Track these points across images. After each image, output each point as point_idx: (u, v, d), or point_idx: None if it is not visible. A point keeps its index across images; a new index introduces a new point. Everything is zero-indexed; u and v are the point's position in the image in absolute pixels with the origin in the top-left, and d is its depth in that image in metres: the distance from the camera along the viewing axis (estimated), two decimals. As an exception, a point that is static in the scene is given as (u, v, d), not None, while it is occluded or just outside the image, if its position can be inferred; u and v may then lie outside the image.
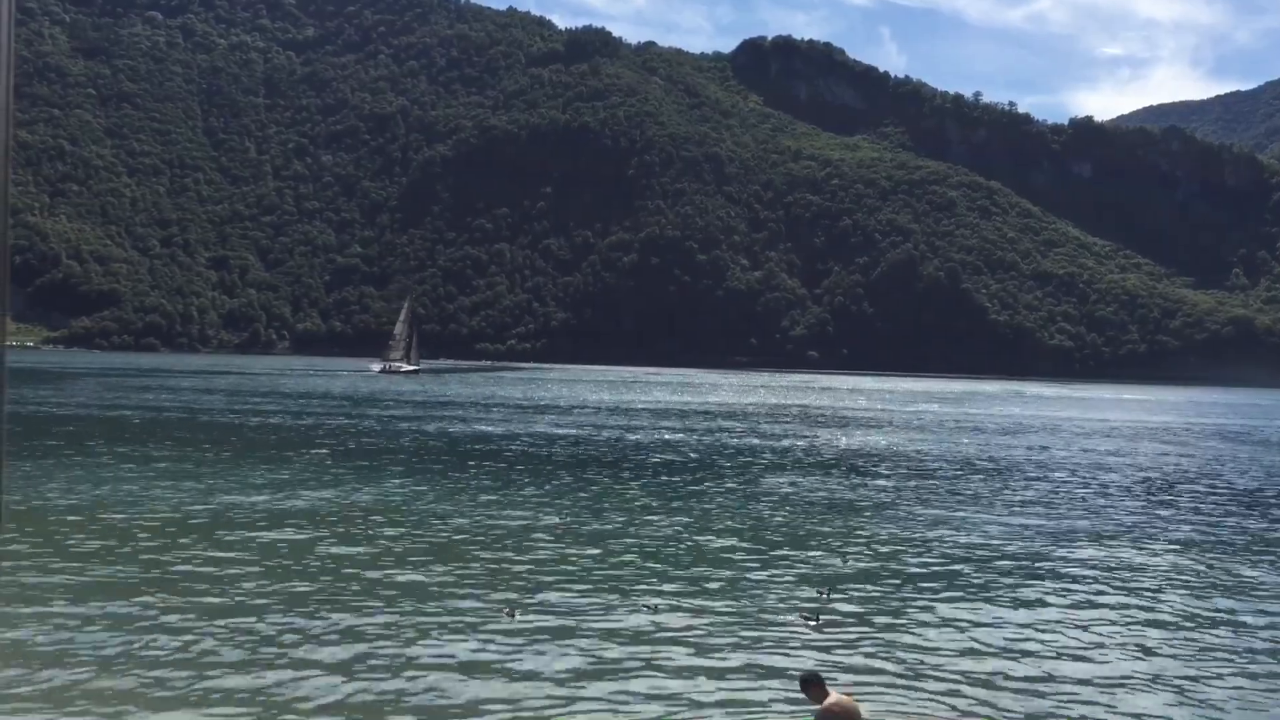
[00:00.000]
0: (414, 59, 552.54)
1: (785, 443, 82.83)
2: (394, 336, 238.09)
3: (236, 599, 26.41)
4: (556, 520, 40.22)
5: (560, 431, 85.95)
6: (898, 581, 31.32)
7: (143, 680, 20.32)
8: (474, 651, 22.81)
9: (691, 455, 69.64)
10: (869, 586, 30.28)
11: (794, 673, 19.39)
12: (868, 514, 45.14)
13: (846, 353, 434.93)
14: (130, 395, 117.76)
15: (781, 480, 56.52)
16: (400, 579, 29.27)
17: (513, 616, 25.03)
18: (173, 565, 29.94)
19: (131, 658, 21.56)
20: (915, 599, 29.09)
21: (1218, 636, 26.33)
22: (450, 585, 28.78)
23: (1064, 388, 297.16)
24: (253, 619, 24.65)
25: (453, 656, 22.43)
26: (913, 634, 25.23)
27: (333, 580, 28.94)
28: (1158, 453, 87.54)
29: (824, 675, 16.35)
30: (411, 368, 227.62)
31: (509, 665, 21.94)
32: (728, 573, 31.41)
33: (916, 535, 39.74)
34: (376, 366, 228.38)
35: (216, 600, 26.21)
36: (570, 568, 31.63)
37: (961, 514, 46.10)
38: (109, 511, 38.43)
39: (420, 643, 23.31)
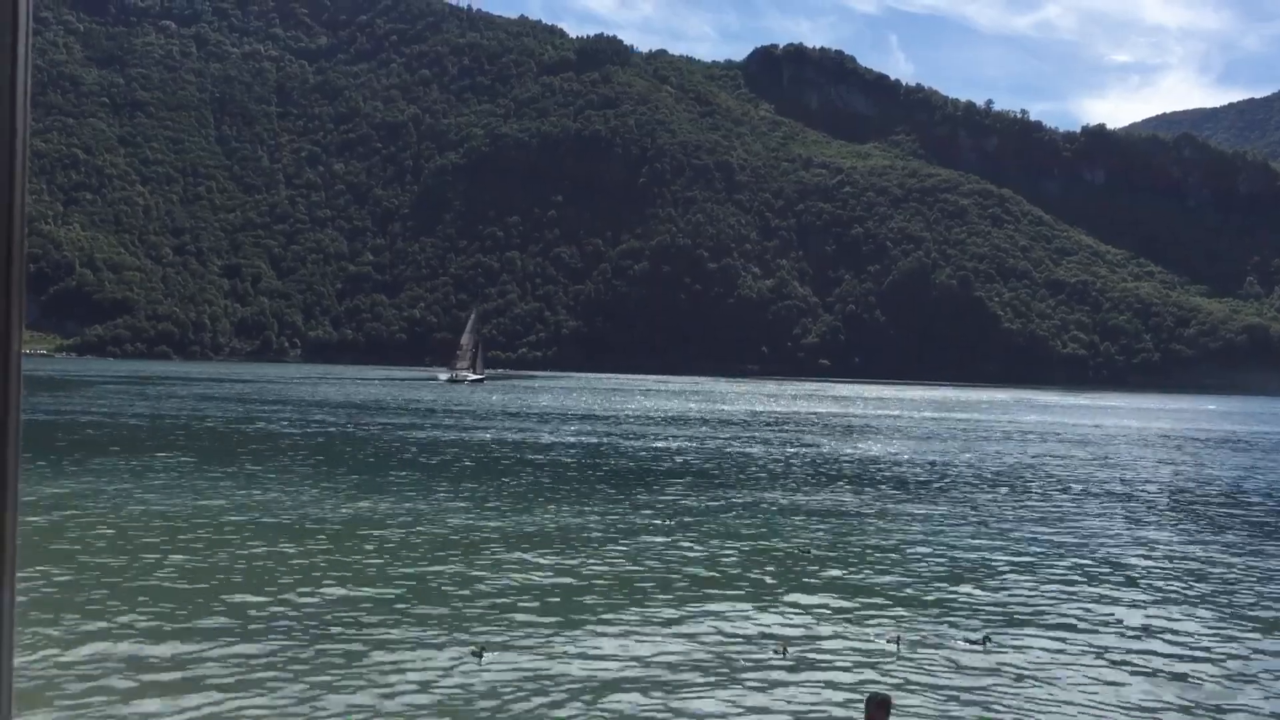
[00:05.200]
0: (426, 67, 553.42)
1: (819, 452, 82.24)
2: (460, 347, 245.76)
3: (269, 605, 26.05)
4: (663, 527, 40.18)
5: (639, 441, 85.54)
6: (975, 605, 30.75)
7: (151, 681, 20.02)
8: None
9: (743, 465, 69.09)
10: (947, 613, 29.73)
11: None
12: (914, 528, 44.55)
13: (859, 361, 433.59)
14: (201, 405, 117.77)
15: (831, 494, 55.94)
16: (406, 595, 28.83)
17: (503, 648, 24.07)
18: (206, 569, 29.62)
19: (136, 660, 21.23)
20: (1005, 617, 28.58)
21: None
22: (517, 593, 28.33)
23: (1080, 396, 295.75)
24: (284, 624, 24.28)
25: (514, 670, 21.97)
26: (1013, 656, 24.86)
27: (350, 591, 28.55)
28: (1204, 461, 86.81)
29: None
30: (477, 377, 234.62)
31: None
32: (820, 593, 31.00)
33: (983, 550, 39.15)
34: (444, 376, 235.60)
35: (226, 608, 25.86)
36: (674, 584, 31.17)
37: (1025, 527, 45.48)
38: (127, 515, 38.14)
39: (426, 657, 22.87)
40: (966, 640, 25.78)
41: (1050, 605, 30.40)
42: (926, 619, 27.97)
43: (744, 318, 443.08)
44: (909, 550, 38.16)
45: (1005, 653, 24.91)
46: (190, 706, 19.34)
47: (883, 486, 59.06)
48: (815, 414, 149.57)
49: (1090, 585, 33.24)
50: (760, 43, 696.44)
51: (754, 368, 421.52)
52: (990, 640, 25.62)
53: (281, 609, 26.44)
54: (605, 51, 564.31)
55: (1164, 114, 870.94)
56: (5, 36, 2.51)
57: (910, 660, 24.03)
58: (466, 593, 29.08)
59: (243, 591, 28.24)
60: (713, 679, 22.08)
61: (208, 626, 24.42)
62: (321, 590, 28.60)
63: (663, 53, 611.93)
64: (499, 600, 28.43)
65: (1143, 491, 62.24)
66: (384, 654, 23.02)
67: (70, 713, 18.73)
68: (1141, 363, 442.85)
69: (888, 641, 25.42)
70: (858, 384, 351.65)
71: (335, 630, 24.73)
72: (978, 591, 31.71)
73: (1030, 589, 32.52)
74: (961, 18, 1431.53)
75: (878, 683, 21.92)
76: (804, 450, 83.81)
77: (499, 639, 24.50)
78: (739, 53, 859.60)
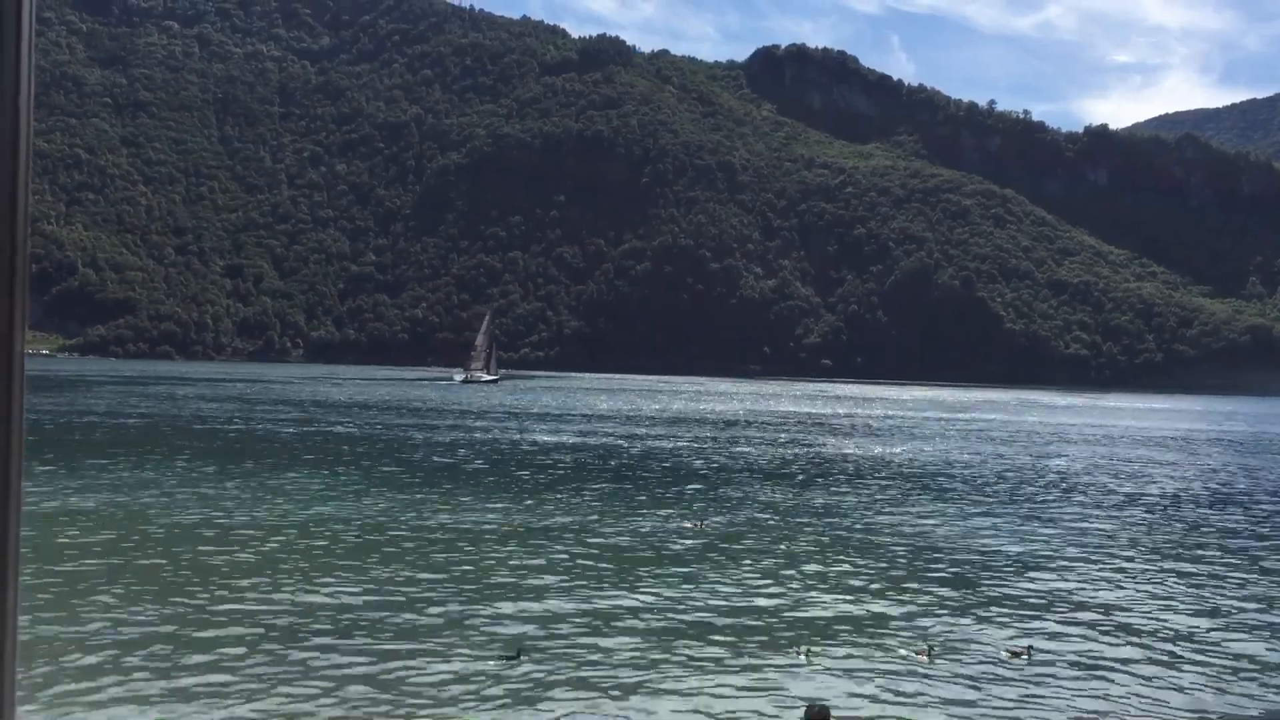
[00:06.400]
0: (428, 68, 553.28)
1: (832, 453, 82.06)
2: (475, 348, 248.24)
3: (274, 605, 25.86)
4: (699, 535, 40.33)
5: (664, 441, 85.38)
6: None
7: (156, 681, 19.87)
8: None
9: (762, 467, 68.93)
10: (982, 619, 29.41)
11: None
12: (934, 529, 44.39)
13: (861, 361, 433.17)
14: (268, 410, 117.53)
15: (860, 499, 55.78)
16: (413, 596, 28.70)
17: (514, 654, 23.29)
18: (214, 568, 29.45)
19: (147, 662, 21.08)
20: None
21: None
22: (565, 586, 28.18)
23: (1083, 397, 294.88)
24: (290, 627, 24.11)
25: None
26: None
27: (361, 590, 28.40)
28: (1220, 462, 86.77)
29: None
30: (491, 377, 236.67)
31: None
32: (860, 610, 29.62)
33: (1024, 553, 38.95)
34: (459, 376, 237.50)
35: (236, 607, 25.67)
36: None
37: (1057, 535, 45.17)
38: (128, 514, 38.00)
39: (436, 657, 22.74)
40: (1009, 650, 24.73)
41: (1088, 611, 29.65)
42: (959, 626, 27.13)
43: (746, 318, 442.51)
44: (933, 553, 37.55)
45: (1048, 663, 23.97)
46: (206, 711, 19.06)
47: (899, 488, 58.82)
48: (822, 414, 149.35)
49: (1126, 591, 32.58)
50: (762, 43, 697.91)
51: (756, 368, 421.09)
52: (1032, 650, 24.51)
53: (306, 610, 26.12)
54: (607, 52, 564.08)
55: (1166, 114, 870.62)
56: (9, 37, 2.54)
57: (944, 671, 23.06)
58: (504, 596, 28.84)
59: (264, 594, 27.83)
60: (735, 687, 21.67)
61: (222, 630, 24.02)
62: (346, 592, 28.29)
63: (665, 53, 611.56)
64: (534, 602, 28.14)
65: (1161, 493, 62.00)
66: (419, 657, 22.73)
67: (73, 715, 18.58)
68: (1144, 363, 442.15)
69: (918, 653, 24.35)
70: (860, 384, 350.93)
71: (365, 632, 24.46)
72: (1009, 598, 31.13)
73: (1065, 595, 31.91)
74: (963, 18, 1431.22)
75: (912, 695, 21.42)
76: (817, 451, 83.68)
77: (538, 641, 24.23)
78: (741, 53, 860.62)
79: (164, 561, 31.25)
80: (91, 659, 21.45)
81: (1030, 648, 24.97)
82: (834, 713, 16.45)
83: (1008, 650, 24.89)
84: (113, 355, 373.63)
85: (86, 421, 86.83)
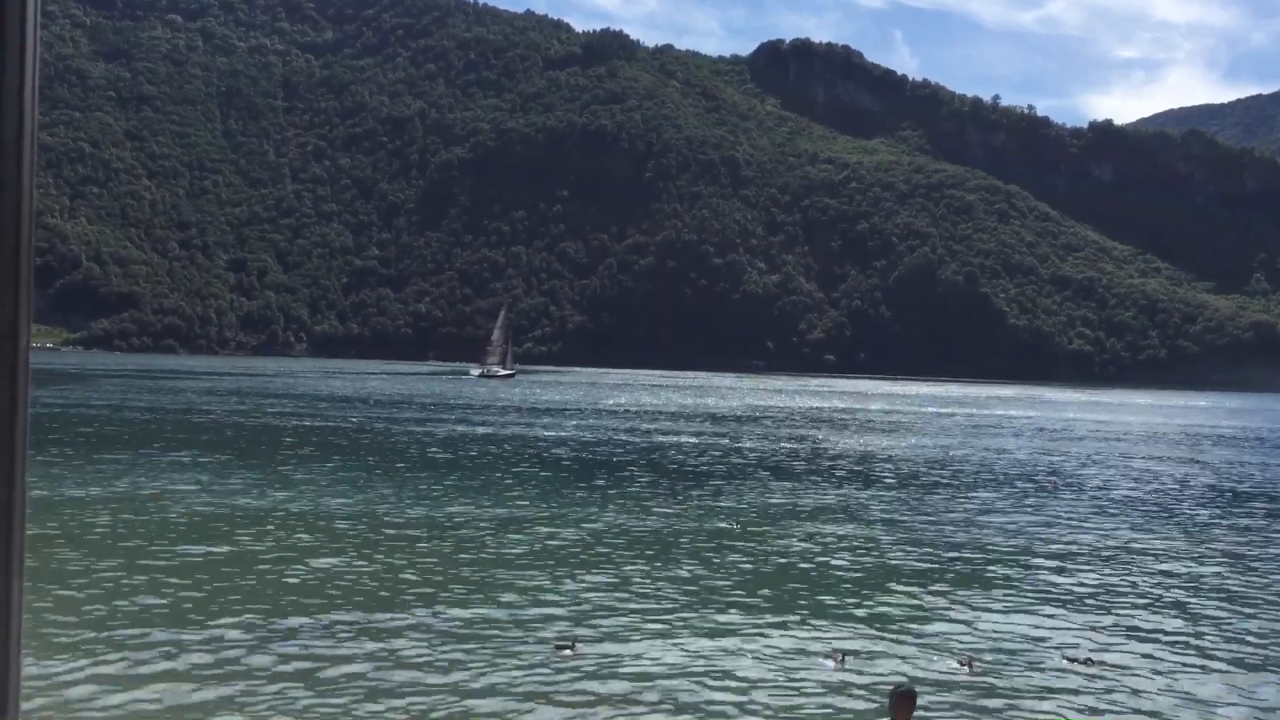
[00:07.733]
0: (432, 62, 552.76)
1: (853, 448, 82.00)
2: (491, 342, 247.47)
3: (282, 608, 25.72)
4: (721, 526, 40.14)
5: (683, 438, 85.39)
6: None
7: (165, 682, 19.76)
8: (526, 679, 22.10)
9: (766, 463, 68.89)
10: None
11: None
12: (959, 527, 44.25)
13: (864, 357, 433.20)
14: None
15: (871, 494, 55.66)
16: (437, 593, 28.61)
17: (572, 649, 23.03)
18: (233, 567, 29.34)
19: (152, 657, 20.99)
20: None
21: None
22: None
23: (1088, 393, 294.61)
24: (297, 632, 23.99)
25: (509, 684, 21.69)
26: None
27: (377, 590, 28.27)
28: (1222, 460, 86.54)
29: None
30: (507, 372, 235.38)
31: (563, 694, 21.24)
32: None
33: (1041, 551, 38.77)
34: (475, 371, 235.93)
35: (249, 608, 25.54)
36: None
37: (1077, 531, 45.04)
38: (145, 509, 37.93)
39: (459, 667, 22.62)
40: (1067, 659, 23.53)
41: (1134, 616, 28.39)
42: (999, 634, 26.01)
43: (749, 313, 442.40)
44: (957, 555, 36.87)
45: (1113, 675, 22.75)
46: (223, 714, 18.68)
47: (914, 486, 58.52)
48: (828, 409, 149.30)
49: (1172, 594, 31.78)
50: (766, 38, 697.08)
51: (759, 363, 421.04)
52: (1094, 661, 23.28)
53: (330, 607, 25.87)
54: (611, 46, 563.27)
55: (1171, 110, 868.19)
56: (13, 31, 2.56)
57: (987, 684, 21.92)
58: (547, 588, 28.75)
59: (280, 592, 27.46)
60: (768, 691, 21.16)
61: (238, 629, 23.73)
62: (380, 591, 28.02)
63: (669, 48, 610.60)
64: (579, 600, 27.81)
65: (1183, 490, 61.73)
66: (459, 651, 22.51)
67: (78, 716, 18.46)
68: (1148, 359, 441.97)
69: (959, 663, 23.11)
70: (864, 380, 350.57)
71: (400, 627, 24.25)
72: (1050, 601, 29.95)
73: (1103, 598, 30.77)
74: (966, 13, 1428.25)
75: (955, 709, 20.59)
76: (829, 446, 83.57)
77: (586, 636, 23.99)
78: (745, 48, 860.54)
79: (175, 559, 31.06)
80: (98, 658, 21.26)
81: (1090, 659, 23.63)
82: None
83: (1066, 658, 23.62)
84: (117, 349, 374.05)
85: (90, 414, 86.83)
